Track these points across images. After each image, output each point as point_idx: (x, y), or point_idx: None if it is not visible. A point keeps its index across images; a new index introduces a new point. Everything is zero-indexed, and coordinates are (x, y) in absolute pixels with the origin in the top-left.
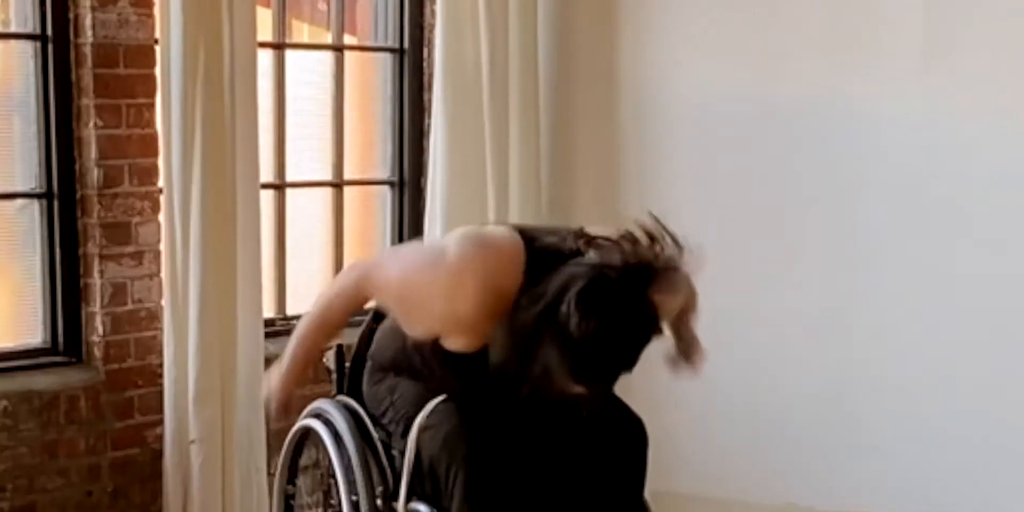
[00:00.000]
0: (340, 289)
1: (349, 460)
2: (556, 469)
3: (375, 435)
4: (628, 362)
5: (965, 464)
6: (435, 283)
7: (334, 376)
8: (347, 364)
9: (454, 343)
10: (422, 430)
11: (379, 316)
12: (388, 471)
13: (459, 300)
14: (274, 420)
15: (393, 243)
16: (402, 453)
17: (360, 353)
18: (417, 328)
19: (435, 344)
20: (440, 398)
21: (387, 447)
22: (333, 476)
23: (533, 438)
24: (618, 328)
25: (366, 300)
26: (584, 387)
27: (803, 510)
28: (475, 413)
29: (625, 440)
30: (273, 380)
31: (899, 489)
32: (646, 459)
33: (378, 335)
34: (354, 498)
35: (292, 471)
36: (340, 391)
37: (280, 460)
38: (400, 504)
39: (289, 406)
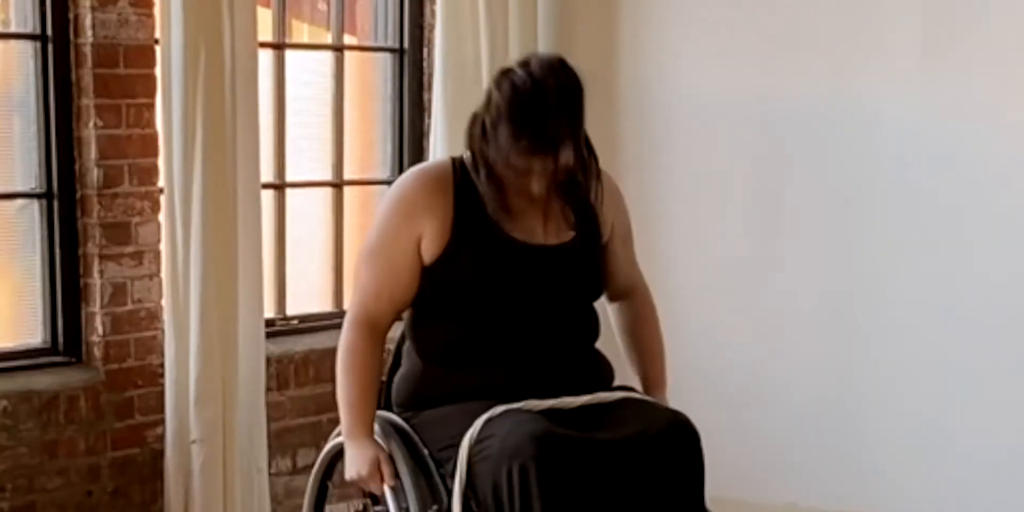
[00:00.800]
0: (347, 337)
1: (398, 478)
2: (616, 475)
3: (424, 451)
4: (566, 115)
5: (968, 465)
6: (381, 205)
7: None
8: (383, 378)
9: (427, 245)
10: (476, 442)
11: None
12: (441, 489)
13: (406, 190)
14: (384, 484)
15: None
16: (452, 475)
17: (395, 367)
18: (410, 264)
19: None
20: (490, 412)
21: (438, 464)
22: (370, 495)
23: (590, 447)
24: (540, 81)
25: (376, 325)
26: (537, 153)
27: (805, 510)
28: (530, 419)
29: (679, 445)
30: (359, 456)
31: (902, 489)
32: (703, 464)
33: (395, 385)
34: None
35: (322, 491)
36: (378, 406)
37: (310, 480)
38: None
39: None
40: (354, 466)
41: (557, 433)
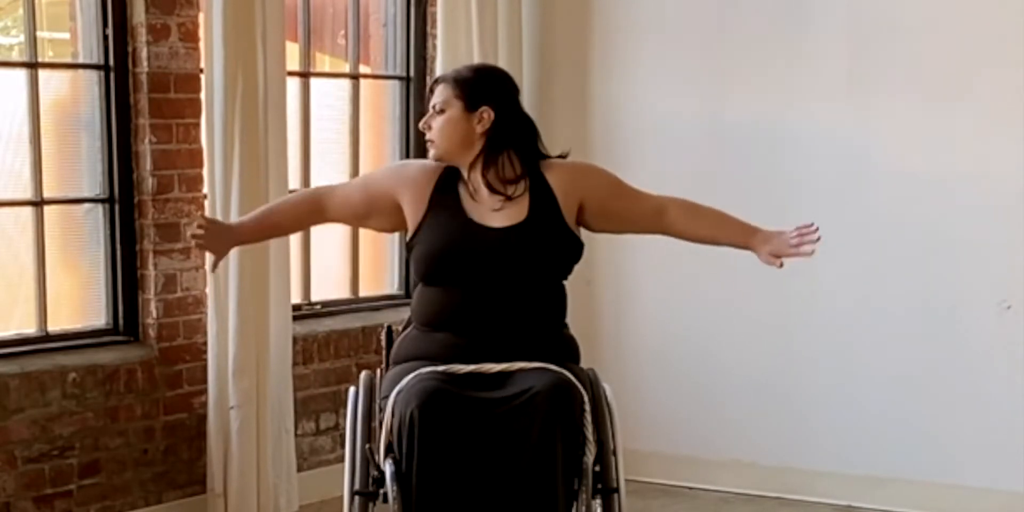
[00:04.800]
0: (298, 194)
1: (356, 421)
2: (489, 427)
3: (378, 403)
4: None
5: (877, 424)
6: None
7: (384, 352)
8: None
9: (406, 200)
10: (397, 394)
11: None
12: (377, 429)
13: (406, 163)
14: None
15: (401, 240)
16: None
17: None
18: (379, 197)
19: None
20: (415, 373)
21: (380, 409)
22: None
23: (469, 402)
24: None
25: (318, 196)
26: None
27: (746, 465)
28: (428, 379)
29: (550, 404)
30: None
31: (823, 445)
32: (573, 419)
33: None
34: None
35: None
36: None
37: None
38: (379, 460)
39: (214, 231)
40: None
41: (441, 390)
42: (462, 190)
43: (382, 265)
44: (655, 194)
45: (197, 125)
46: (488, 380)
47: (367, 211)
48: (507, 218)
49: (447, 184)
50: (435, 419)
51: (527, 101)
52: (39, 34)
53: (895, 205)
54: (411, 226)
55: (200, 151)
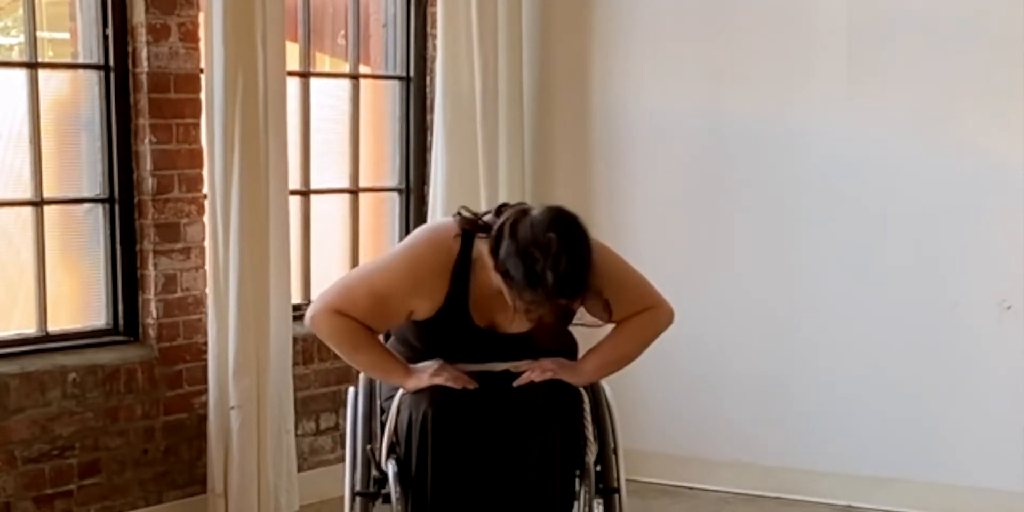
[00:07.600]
0: (331, 323)
1: (356, 422)
2: (496, 426)
3: (379, 404)
4: (576, 280)
5: (879, 426)
6: (394, 258)
7: None
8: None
9: (421, 308)
10: (403, 394)
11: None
12: (378, 430)
13: (423, 262)
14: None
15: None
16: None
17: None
18: (394, 313)
19: (411, 324)
20: None
21: (382, 411)
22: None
23: (478, 402)
24: (563, 245)
25: (346, 314)
26: (544, 300)
27: (746, 465)
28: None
29: (550, 405)
30: (424, 377)
31: (824, 445)
32: (575, 427)
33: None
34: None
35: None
36: None
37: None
38: (382, 460)
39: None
40: (434, 379)
41: (453, 391)
42: (473, 281)
43: None
44: (630, 309)
45: (197, 125)
46: (492, 378)
47: (385, 320)
48: (516, 324)
49: (462, 273)
50: (448, 419)
51: (527, 102)
52: (39, 34)
53: (895, 205)
54: (420, 313)
55: (200, 151)
